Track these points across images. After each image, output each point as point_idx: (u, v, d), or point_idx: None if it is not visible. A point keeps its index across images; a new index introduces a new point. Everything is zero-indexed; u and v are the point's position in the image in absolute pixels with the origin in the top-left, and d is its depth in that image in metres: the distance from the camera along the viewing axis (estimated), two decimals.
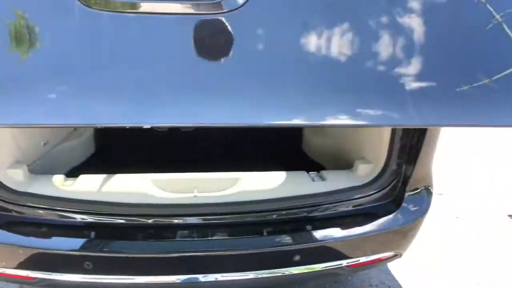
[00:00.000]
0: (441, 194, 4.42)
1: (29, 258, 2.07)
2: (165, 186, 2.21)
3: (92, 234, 2.09)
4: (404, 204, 2.26)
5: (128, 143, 3.50)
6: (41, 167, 2.58)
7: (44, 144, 2.78)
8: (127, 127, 2.50)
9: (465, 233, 3.80)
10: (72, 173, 2.79)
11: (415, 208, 2.28)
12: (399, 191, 2.29)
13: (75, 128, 3.32)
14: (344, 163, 2.70)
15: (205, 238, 2.08)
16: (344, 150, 2.87)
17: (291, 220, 2.21)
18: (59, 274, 2.09)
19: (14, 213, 2.12)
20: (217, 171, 2.34)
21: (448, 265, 3.29)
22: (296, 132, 3.66)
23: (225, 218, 2.15)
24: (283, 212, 2.20)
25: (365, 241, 2.24)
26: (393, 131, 2.26)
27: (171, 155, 3.37)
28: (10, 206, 2.11)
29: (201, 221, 2.14)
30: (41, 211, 2.12)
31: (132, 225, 2.12)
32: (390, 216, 2.24)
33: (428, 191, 2.36)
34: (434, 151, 2.35)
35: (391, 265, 3.18)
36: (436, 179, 2.45)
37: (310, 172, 2.42)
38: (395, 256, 2.39)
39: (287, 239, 2.14)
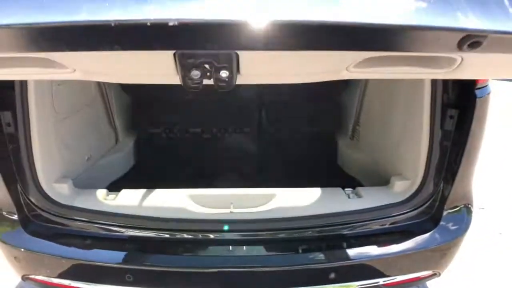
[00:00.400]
0: (482, 208, 4.27)
1: (72, 269, 2.17)
2: (202, 202, 2.26)
3: (133, 247, 2.18)
4: (442, 223, 2.22)
5: (165, 156, 3.60)
6: (84, 181, 2.70)
7: (88, 158, 2.91)
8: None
9: (509, 250, 3.65)
10: (114, 186, 2.91)
11: (454, 227, 2.23)
12: (437, 209, 2.25)
13: (116, 142, 3.46)
14: (380, 179, 2.68)
15: (240, 254, 2.12)
16: (380, 166, 2.84)
17: (327, 238, 2.21)
18: (101, 285, 2.18)
19: (60, 226, 2.24)
20: (252, 186, 2.38)
21: (491, 285, 3.17)
22: (331, 147, 3.66)
23: (260, 235, 2.18)
24: (319, 229, 2.20)
25: (402, 260, 2.20)
26: (431, 146, 2.23)
27: (206, 168, 3.44)
28: (56, 219, 2.24)
29: (237, 237, 2.18)
30: (84, 224, 2.23)
31: (170, 239, 2.19)
32: (428, 234, 2.21)
33: (468, 209, 2.31)
34: (474, 166, 2.29)
35: (430, 284, 3.10)
36: (476, 191, 2.38)
37: (345, 189, 2.42)
38: (433, 275, 2.34)
39: (322, 256, 2.15)
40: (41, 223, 2.23)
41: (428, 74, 1.59)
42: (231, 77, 1.42)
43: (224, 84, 1.44)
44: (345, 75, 1.56)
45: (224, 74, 1.40)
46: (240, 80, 1.50)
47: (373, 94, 3.13)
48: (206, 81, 1.46)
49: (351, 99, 3.47)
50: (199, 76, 1.39)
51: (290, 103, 3.62)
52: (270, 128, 3.73)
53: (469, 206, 2.32)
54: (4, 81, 2.10)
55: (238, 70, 1.45)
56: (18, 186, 2.20)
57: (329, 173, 3.42)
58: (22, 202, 2.21)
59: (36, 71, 1.53)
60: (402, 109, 2.57)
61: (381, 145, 2.89)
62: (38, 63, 1.44)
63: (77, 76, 1.59)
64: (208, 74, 1.40)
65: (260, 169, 3.48)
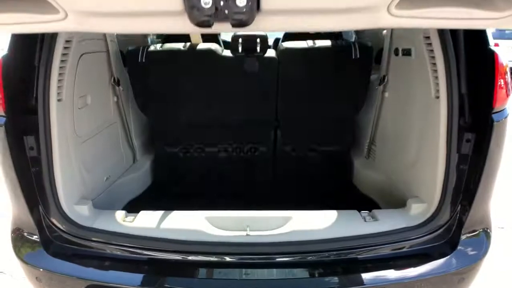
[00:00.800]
0: (502, 227, 4.18)
1: None
2: (219, 224, 2.29)
3: (150, 269, 2.21)
4: (460, 247, 2.20)
5: (181, 175, 3.65)
6: (102, 201, 2.76)
7: (107, 178, 2.97)
8: None
9: None
10: (131, 205, 2.96)
11: (472, 252, 2.21)
12: (455, 233, 2.23)
13: (134, 161, 3.52)
14: (397, 200, 2.67)
15: (255, 278, 2.13)
16: (396, 187, 2.83)
17: (343, 261, 2.20)
18: None
19: (80, 247, 2.29)
20: (268, 206, 2.40)
21: None
22: (346, 166, 3.66)
23: (275, 258, 2.18)
24: (335, 253, 2.20)
25: (419, 284, 2.17)
26: (447, 169, 2.22)
27: (222, 188, 3.47)
28: (76, 240, 2.28)
29: (252, 260, 2.19)
30: (104, 246, 2.27)
31: (186, 262, 2.21)
32: (445, 259, 2.18)
33: (486, 234, 2.28)
34: (492, 189, 2.27)
35: None
36: (495, 210, 2.35)
37: (361, 211, 2.42)
38: None
39: (338, 280, 2.14)
40: (62, 244, 2.28)
41: (480, 20, 1.36)
42: (249, 6, 1.20)
43: (241, 17, 1.21)
44: (385, 20, 1.34)
45: (240, 2, 1.18)
46: (260, 22, 1.29)
47: (388, 114, 3.14)
48: (217, 27, 1.25)
49: (367, 118, 3.47)
50: (209, 4, 1.17)
51: (305, 121, 3.64)
52: (285, 147, 3.75)
53: (488, 230, 2.30)
54: (28, 106, 2.19)
55: (258, 3, 1.23)
56: (40, 208, 2.26)
57: (344, 192, 3.41)
58: (43, 223, 2.27)
59: (20, 18, 1.34)
60: (417, 132, 2.57)
61: (397, 166, 2.88)
62: (21, 4, 1.28)
63: (70, 24, 1.37)
64: (221, 2, 1.19)
65: (275, 189, 3.49)
